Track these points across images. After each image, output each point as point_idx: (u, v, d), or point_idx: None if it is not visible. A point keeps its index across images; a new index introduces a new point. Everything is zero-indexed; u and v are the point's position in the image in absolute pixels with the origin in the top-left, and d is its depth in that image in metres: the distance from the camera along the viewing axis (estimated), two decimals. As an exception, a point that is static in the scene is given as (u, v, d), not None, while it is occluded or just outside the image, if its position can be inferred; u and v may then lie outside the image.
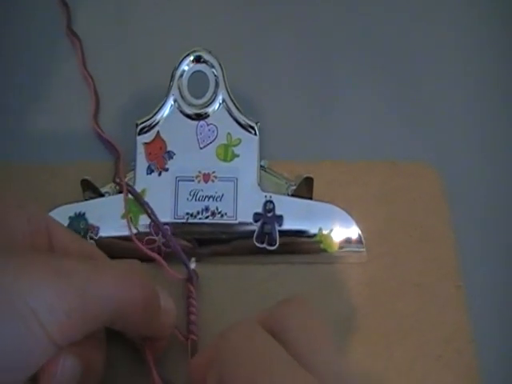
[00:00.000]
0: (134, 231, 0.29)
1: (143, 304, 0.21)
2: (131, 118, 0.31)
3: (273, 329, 0.20)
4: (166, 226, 0.29)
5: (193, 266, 0.28)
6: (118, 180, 0.30)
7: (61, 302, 0.18)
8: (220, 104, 0.30)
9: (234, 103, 0.30)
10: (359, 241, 0.30)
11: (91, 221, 0.29)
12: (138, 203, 0.29)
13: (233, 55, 0.32)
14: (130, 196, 0.29)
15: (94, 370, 0.22)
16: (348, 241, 0.30)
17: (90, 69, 0.35)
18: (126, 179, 0.30)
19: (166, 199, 0.29)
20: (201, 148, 0.30)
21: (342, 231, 0.30)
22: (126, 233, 0.28)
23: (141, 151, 0.30)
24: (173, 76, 0.30)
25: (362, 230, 0.30)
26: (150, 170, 0.30)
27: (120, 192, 0.29)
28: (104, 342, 0.23)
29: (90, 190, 0.30)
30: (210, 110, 0.30)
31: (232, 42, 0.37)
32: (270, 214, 0.29)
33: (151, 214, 0.29)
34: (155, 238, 0.29)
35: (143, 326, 0.23)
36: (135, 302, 0.21)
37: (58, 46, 0.36)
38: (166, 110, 0.30)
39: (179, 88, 0.30)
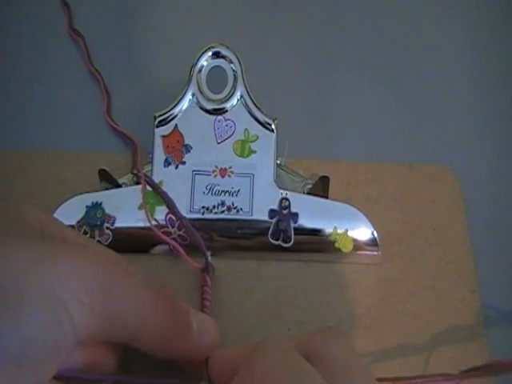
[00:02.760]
0: (153, 223, 0.30)
1: (168, 315, 0.22)
2: (145, 112, 0.32)
3: (310, 352, 0.20)
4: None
5: (209, 259, 0.30)
6: (135, 171, 0.32)
7: (88, 296, 0.19)
8: (238, 100, 0.32)
9: (252, 99, 0.32)
10: (374, 241, 0.31)
11: (108, 210, 0.31)
12: (156, 194, 0.31)
13: (249, 52, 0.34)
14: (147, 187, 0.31)
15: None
16: (363, 241, 0.31)
17: (98, 66, 0.37)
18: (144, 171, 0.31)
19: (183, 192, 0.31)
20: (218, 143, 0.32)
21: (357, 231, 0.31)
22: (142, 224, 0.30)
23: (158, 144, 0.32)
24: (191, 71, 0.32)
25: (377, 231, 0.31)
26: (167, 163, 0.31)
27: (137, 183, 0.31)
28: (118, 349, 0.24)
29: (107, 180, 0.31)
30: (228, 105, 0.32)
31: (247, 39, 0.39)
32: (285, 211, 0.31)
33: (168, 203, 0.30)
34: (171, 229, 0.31)
35: (168, 343, 0.23)
36: (159, 311, 0.21)
37: (61, 46, 0.38)
38: (184, 104, 0.32)
39: (198, 83, 0.32)
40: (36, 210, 0.23)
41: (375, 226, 0.31)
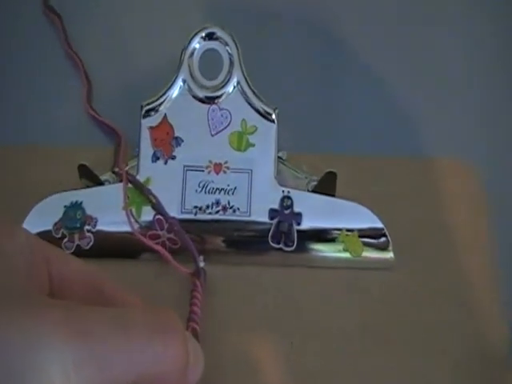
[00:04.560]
0: (136, 225, 0.30)
1: (173, 370, 0.21)
2: (131, 101, 0.32)
3: None
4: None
5: (201, 264, 0.29)
6: (117, 169, 0.31)
7: (80, 373, 0.18)
8: (234, 87, 0.31)
9: (250, 86, 0.31)
10: (386, 245, 0.31)
11: (89, 211, 0.30)
12: (141, 193, 0.30)
13: (247, 34, 0.33)
14: (131, 185, 0.30)
15: None
16: (374, 244, 0.31)
17: (77, 49, 0.36)
18: (128, 167, 0.31)
19: (173, 190, 0.30)
20: (212, 135, 0.31)
21: (368, 233, 0.31)
22: (127, 226, 0.30)
23: (146, 136, 0.31)
24: (182, 54, 0.31)
25: (389, 233, 0.31)
26: (155, 158, 0.31)
27: (121, 181, 0.30)
28: None
29: (88, 177, 0.31)
30: (223, 92, 0.31)
31: (245, 20, 0.38)
32: (287, 211, 0.30)
33: (155, 204, 0.30)
34: (159, 232, 0.30)
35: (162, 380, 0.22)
36: (164, 368, 0.20)
37: (35, 26, 0.38)
38: (174, 92, 0.31)
39: (189, 68, 0.31)
40: (13, 230, 0.21)
41: (388, 227, 0.31)
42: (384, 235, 0.31)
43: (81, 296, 0.23)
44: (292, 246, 0.30)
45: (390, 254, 0.31)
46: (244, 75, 0.31)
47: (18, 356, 0.17)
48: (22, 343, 0.17)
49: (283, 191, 0.31)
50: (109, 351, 0.18)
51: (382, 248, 0.31)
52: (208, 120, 0.31)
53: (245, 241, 0.31)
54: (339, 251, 0.31)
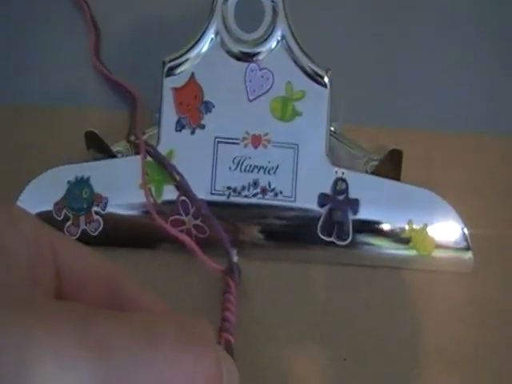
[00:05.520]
0: (156, 208, 0.30)
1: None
2: (150, 55, 0.33)
3: None
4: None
5: (234, 260, 0.30)
6: (132, 138, 0.32)
7: None
8: (278, 41, 0.32)
9: (298, 42, 0.32)
10: (464, 242, 0.31)
11: (97, 189, 0.31)
12: (163, 168, 0.31)
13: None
14: (150, 159, 0.31)
15: None
16: (448, 241, 0.31)
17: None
18: (147, 136, 0.32)
19: (201, 167, 0.31)
20: (250, 100, 0.32)
21: (441, 227, 0.31)
22: (144, 209, 0.30)
23: (169, 99, 0.31)
24: (215, 1, 0.31)
25: (469, 228, 0.31)
26: (180, 126, 0.31)
27: (138, 153, 0.31)
28: None
29: (97, 148, 0.31)
30: (264, 49, 0.32)
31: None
32: (341, 197, 0.31)
33: (180, 183, 0.30)
34: (184, 218, 0.30)
35: None
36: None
37: None
38: (204, 46, 0.32)
39: (223, 17, 0.32)
40: (16, 214, 0.21)
41: (467, 220, 0.31)
42: (461, 230, 0.31)
43: (94, 298, 0.22)
44: (346, 239, 0.31)
45: (468, 255, 0.31)
46: (290, 28, 0.31)
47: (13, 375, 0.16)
48: (19, 357, 0.16)
49: (336, 172, 0.31)
50: (134, 370, 0.18)
51: (459, 247, 0.31)
52: (245, 82, 0.32)
53: (288, 231, 0.31)
54: (404, 248, 0.31)
